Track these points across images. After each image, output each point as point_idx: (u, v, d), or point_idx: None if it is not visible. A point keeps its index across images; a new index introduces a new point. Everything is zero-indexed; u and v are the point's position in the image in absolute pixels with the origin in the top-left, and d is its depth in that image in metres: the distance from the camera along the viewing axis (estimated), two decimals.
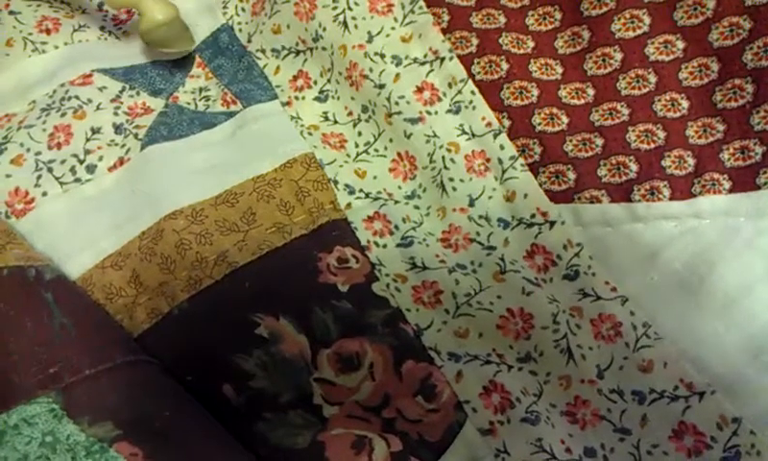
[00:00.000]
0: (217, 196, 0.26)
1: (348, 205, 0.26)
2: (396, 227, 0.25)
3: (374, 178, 0.27)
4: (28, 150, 0.26)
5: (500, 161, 0.25)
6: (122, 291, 0.25)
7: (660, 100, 0.25)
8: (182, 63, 0.31)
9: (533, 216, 0.25)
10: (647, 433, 0.23)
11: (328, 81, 0.28)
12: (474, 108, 0.26)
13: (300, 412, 0.24)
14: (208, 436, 0.24)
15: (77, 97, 0.28)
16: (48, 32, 0.29)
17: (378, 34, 0.27)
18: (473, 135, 0.26)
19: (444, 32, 0.27)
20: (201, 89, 0.30)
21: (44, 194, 0.26)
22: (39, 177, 0.26)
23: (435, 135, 0.26)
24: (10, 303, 0.24)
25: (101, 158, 0.27)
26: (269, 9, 0.29)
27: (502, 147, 0.25)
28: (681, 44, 0.25)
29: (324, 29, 0.27)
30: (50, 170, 0.26)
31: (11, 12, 0.29)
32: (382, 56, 0.27)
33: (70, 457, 0.21)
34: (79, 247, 0.26)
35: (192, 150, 0.28)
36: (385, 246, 0.25)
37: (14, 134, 0.26)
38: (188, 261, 0.25)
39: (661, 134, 0.24)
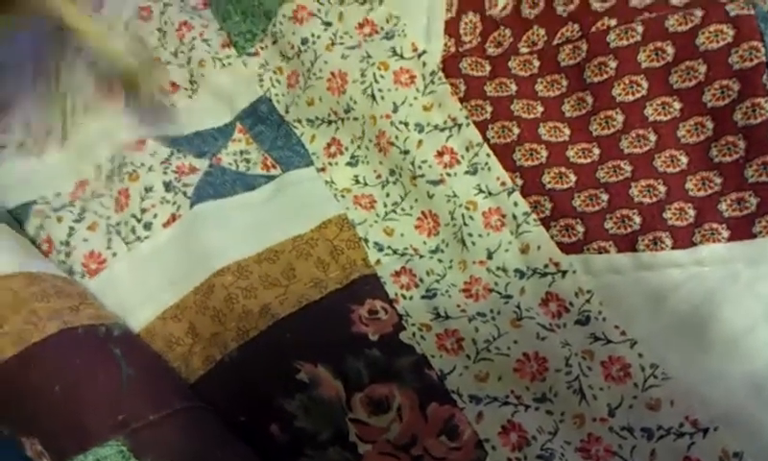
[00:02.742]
0: (260, 253, 0.30)
1: (378, 261, 0.30)
2: (421, 280, 0.29)
3: (402, 235, 0.30)
4: (100, 216, 0.31)
5: (515, 217, 0.28)
6: (180, 340, 0.29)
7: (660, 157, 0.27)
8: (225, 131, 0.35)
9: (546, 266, 0.28)
10: None
11: (359, 147, 0.32)
12: (490, 169, 0.29)
13: (337, 449, 0.27)
14: None
15: (132, 163, 0.33)
16: None
17: (402, 103, 0.31)
18: (490, 194, 0.29)
19: (462, 100, 0.30)
20: (242, 152, 0.34)
21: (114, 254, 0.30)
22: (110, 240, 0.30)
23: (455, 195, 0.29)
24: (84, 358, 0.28)
25: (155, 216, 0.31)
26: (303, 82, 0.33)
27: (516, 204, 0.28)
28: (677, 105, 0.27)
29: (355, 102, 0.31)
30: (118, 233, 0.31)
31: None
32: (406, 124, 0.31)
33: None
34: (140, 301, 0.31)
35: (236, 209, 0.32)
36: (411, 298, 0.29)
37: (89, 204, 0.31)
38: (236, 313, 0.29)
39: (662, 189, 0.27)
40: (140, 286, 0.31)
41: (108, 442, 0.26)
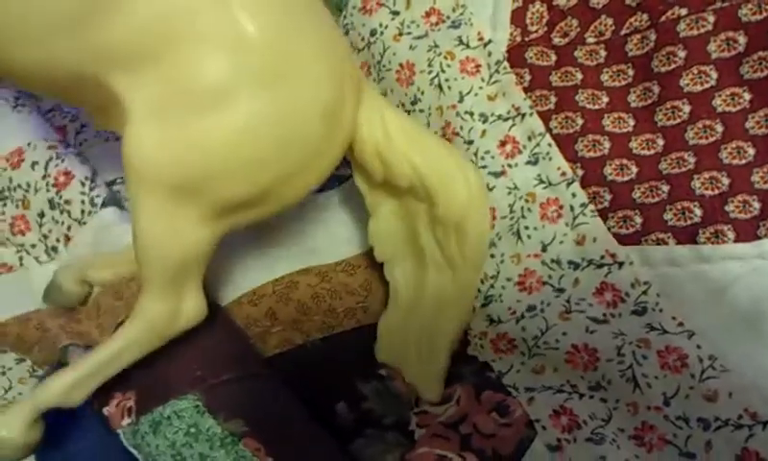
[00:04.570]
0: (336, 263, 0.34)
1: None
2: (479, 290, 0.30)
3: None
4: None
5: (572, 208, 0.29)
6: (258, 322, 0.32)
7: (726, 148, 0.27)
8: None
9: (602, 258, 0.28)
10: (712, 458, 0.26)
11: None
12: (551, 159, 0.30)
13: (396, 434, 0.29)
14: (320, 443, 0.30)
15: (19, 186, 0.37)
16: None
17: (468, 93, 0.32)
18: (549, 184, 0.30)
19: (526, 90, 0.31)
20: None
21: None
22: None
23: (516, 187, 0.30)
24: None
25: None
26: (375, 75, 0.35)
27: (574, 195, 0.29)
28: (747, 96, 0.27)
29: (422, 92, 0.33)
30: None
31: None
32: (471, 114, 0.32)
33: (208, 446, 0.27)
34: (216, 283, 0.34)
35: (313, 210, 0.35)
36: (474, 310, 0.30)
37: None
38: (322, 310, 0.32)
39: (726, 181, 0.27)
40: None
41: (186, 396, 0.29)
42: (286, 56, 0.26)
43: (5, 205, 0.37)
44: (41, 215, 0.37)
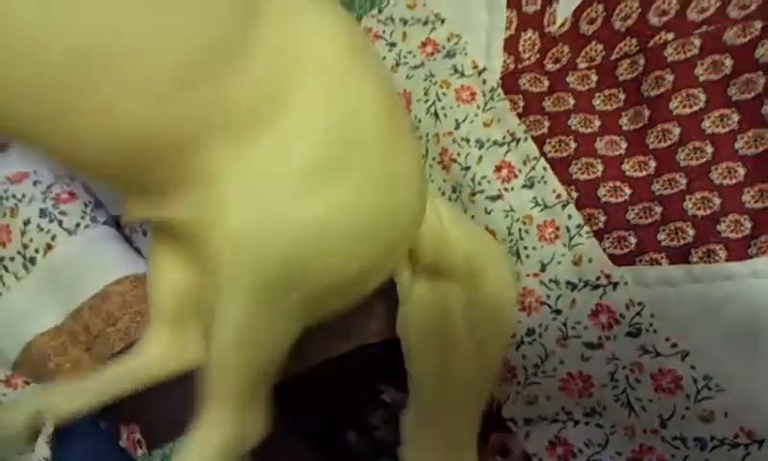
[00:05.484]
0: None
1: None
2: None
3: None
4: None
5: (568, 229, 0.30)
6: None
7: (716, 169, 0.28)
8: None
9: (598, 278, 0.29)
10: None
11: (424, 165, 0.34)
12: (546, 182, 0.30)
13: None
14: None
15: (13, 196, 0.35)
16: None
17: (464, 120, 0.33)
18: (545, 207, 0.30)
19: (520, 116, 0.32)
20: None
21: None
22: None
23: (512, 210, 0.31)
24: None
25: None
26: None
27: (570, 216, 0.30)
28: (736, 117, 0.28)
29: (420, 121, 0.34)
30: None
31: None
32: (467, 140, 0.32)
33: None
34: None
35: None
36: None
37: None
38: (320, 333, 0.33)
39: (717, 201, 0.27)
40: None
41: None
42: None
43: None
44: (26, 223, 0.34)
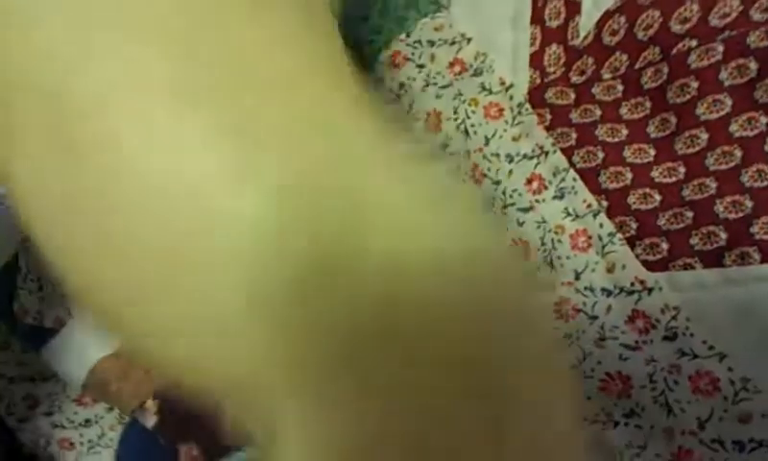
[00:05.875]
0: None
1: None
2: None
3: None
4: None
5: (600, 238, 0.30)
6: None
7: (747, 172, 0.28)
8: None
9: (632, 284, 0.29)
10: None
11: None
12: (576, 192, 0.31)
13: None
14: None
15: None
16: None
17: (493, 136, 0.34)
18: (577, 216, 0.31)
19: (548, 129, 0.33)
20: None
21: None
22: None
23: (544, 221, 0.32)
24: None
25: None
26: (405, 124, 0.37)
27: (601, 225, 0.30)
28: (764, 119, 0.28)
29: (451, 138, 0.35)
30: None
31: None
32: (497, 155, 0.33)
33: None
34: None
35: None
36: None
37: None
38: None
39: (749, 204, 0.28)
40: None
41: (242, 449, 0.31)
42: None
43: None
44: None
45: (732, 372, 0.27)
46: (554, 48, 0.33)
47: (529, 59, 0.34)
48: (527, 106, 0.33)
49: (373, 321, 0.14)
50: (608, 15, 0.32)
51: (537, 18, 0.34)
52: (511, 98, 0.34)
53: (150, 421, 0.36)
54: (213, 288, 0.15)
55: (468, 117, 0.34)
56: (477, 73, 0.35)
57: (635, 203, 0.30)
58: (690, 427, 0.27)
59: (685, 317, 0.28)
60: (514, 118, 0.34)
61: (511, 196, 0.33)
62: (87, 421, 0.43)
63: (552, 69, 0.33)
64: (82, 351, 0.38)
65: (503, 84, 0.34)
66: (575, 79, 0.33)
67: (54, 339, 0.38)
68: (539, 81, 0.33)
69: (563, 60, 0.33)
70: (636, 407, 0.28)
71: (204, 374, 0.17)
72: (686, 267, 0.28)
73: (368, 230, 0.15)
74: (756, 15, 0.28)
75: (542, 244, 0.32)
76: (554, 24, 0.33)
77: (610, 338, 0.29)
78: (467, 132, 0.34)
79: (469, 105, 0.34)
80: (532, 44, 0.34)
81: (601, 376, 0.29)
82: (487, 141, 0.34)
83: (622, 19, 0.31)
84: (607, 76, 0.32)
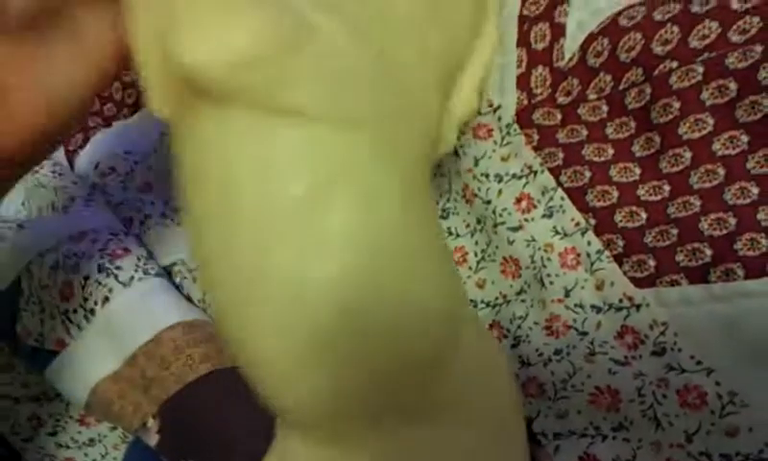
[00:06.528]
0: None
1: None
2: (508, 330, 0.32)
3: (492, 283, 0.34)
4: None
5: (588, 255, 0.31)
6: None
7: (730, 190, 0.29)
8: None
9: (621, 301, 0.30)
10: None
11: (448, 200, 0.36)
12: (564, 211, 0.32)
13: None
14: None
15: None
16: None
17: (482, 157, 0.34)
18: (565, 235, 0.32)
19: (535, 149, 0.33)
20: None
21: None
22: None
23: (533, 239, 0.32)
24: (230, 395, 0.34)
25: None
26: None
27: (589, 243, 0.31)
28: (745, 138, 0.29)
29: (442, 159, 0.35)
30: None
31: None
32: (487, 175, 0.34)
33: None
34: None
35: None
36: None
37: None
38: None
39: (732, 221, 0.28)
40: None
41: None
42: None
43: (57, 273, 0.38)
44: (86, 278, 0.37)
45: (719, 386, 0.27)
46: (540, 70, 0.34)
47: (516, 80, 0.34)
48: (515, 126, 0.34)
49: None
50: (591, 38, 0.32)
51: (522, 41, 0.34)
52: (499, 119, 0.34)
53: (152, 439, 0.37)
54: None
55: (458, 139, 0.35)
56: None
57: (621, 221, 0.30)
58: (678, 441, 0.28)
59: (673, 332, 0.29)
60: (503, 139, 0.34)
61: (501, 215, 0.33)
62: (91, 440, 0.43)
63: (539, 90, 0.34)
64: (83, 371, 0.39)
65: (491, 105, 0.35)
66: (561, 99, 0.33)
67: (55, 361, 0.38)
68: (525, 102, 0.34)
69: (549, 82, 0.34)
70: (625, 421, 0.29)
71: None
72: (673, 283, 0.29)
73: None
74: (735, 37, 0.29)
75: (532, 262, 0.32)
76: (539, 46, 0.34)
77: (599, 353, 0.30)
78: (456, 153, 0.35)
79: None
80: (519, 66, 0.34)
81: (591, 390, 0.29)
82: (476, 162, 0.34)
83: (605, 41, 0.32)
84: (592, 96, 0.33)
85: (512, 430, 0.26)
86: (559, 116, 0.33)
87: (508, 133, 0.34)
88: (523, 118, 0.34)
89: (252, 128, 0.20)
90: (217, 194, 0.20)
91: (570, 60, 0.33)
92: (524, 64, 0.34)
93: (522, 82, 0.34)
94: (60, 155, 0.51)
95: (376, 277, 0.21)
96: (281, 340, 0.21)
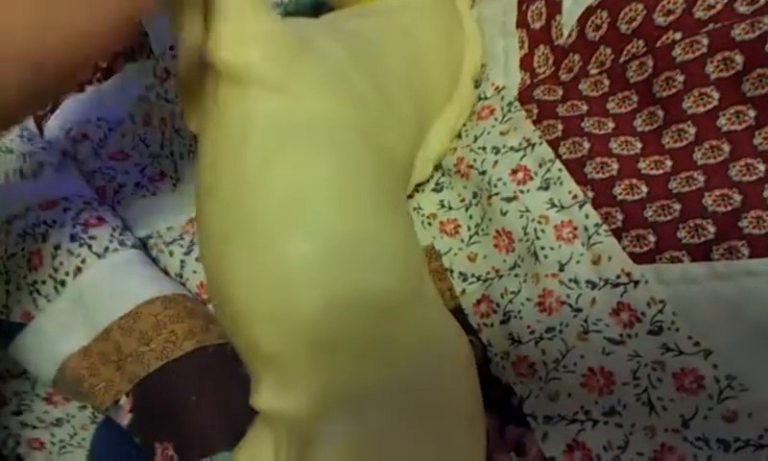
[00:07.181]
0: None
1: (463, 291, 0.32)
2: (498, 304, 0.30)
3: (484, 257, 0.32)
4: None
5: (586, 229, 0.29)
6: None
7: (735, 166, 0.27)
8: None
9: (618, 277, 0.28)
10: None
11: (442, 175, 0.34)
12: (561, 183, 0.30)
13: None
14: None
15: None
16: None
17: (482, 134, 0.33)
18: (561, 207, 0.30)
19: (535, 123, 0.32)
20: None
21: None
22: None
23: (527, 210, 0.31)
24: (214, 374, 0.32)
25: None
26: None
27: (587, 216, 0.29)
28: (752, 113, 0.27)
29: None
30: None
31: None
32: (484, 148, 0.33)
33: None
34: None
35: None
36: (492, 325, 0.30)
37: None
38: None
39: (738, 198, 0.27)
40: None
41: (225, 450, 0.30)
42: None
43: (25, 241, 0.36)
44: (57, 247, 0.35)
45: (717, 369, 0.26)
46: (542, 49, 0.33)
47: (519, 62, 0.33)
48: (516, 104, 0.33)
49: None
50: (590, 11, 0.31)
51: (522, 23, 0.34)
52: (502, 99, 0.33)
53: (124, 419, 0.35)
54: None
55: (464, 125, 0.34)
56: (477, 86, 0.35)
57: (621, 194, 0.29)
58: (674, 425, 0.26)
59: (671, 311, 0.27)
60: (504, 116, 0.33)
61: (495, 185, 0.32)
62: (58, 420, 0.41)
63: (541, 70, 0.33)
64: (51, 346, 0.36)
65: (496, 88, 0.34)
66: (564, 76, 0.32)
67: (21, 334, 0.36)
68: (528, 81, 0.33)
69: (551, 60, 0.33)
70: (618, 405, 0.27)
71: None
72: (674, 260, 0.27)
73: None
74: (741, 8, 0.28)
75: (525, 234, 0.31)
76: (537, 25, 0.33)
77: (593, 331, 0.28)
78: (459, 135, 0.34)
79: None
80: (521, 47, 0.33)
81: (583, 371, 0.28)
82: (476, 139, 0.33)
83: (604, 14, 0.31)
84: (594, 71, 0.32)
85: (463, 425, 0.24)
86: (560, 92, 0.32)
87: (509, 111, 0.33)
88: (524, 96, 0.33)
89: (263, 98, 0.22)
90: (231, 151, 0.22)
91: (569, 35, 0.32)
92: (526, 45, 0.33)
93: (525, 62, 0.33)
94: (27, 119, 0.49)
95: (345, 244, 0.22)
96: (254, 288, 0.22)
